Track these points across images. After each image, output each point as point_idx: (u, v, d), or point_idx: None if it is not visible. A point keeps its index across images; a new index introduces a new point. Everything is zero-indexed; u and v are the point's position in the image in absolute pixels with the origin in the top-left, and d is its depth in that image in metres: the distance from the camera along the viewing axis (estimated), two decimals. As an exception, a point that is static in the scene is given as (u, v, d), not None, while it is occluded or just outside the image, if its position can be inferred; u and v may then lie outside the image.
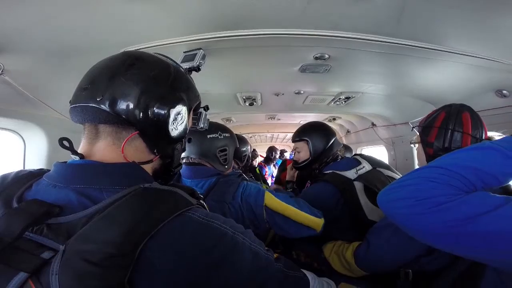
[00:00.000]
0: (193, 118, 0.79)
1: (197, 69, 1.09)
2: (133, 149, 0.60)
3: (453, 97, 1.66)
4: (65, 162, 0.57)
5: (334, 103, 2.20)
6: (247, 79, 1.75)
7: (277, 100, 2.19)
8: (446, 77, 1.44)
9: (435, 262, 0.98)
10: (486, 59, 1.11)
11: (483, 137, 1.01)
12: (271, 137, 6.48)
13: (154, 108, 0.59)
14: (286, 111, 2.69)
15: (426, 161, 1.09)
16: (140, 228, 0.45)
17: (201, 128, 0.79)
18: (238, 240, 0.55)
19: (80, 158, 0.57)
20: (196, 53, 1.10)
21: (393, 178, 1.46)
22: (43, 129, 1.35)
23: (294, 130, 1.75)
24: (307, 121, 1.87)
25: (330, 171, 1.49)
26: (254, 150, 3.88)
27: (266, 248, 0.61)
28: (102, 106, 0.55)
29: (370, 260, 1.10)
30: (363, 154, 1.65)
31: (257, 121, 3.69)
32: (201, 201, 0.62)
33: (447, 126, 1.04)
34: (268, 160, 4.86)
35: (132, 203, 0.49)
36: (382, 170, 1.49)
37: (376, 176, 1.42)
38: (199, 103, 0.76)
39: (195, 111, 0.77)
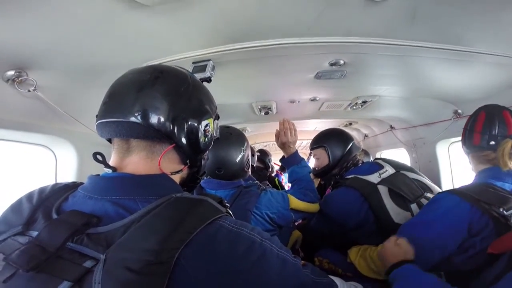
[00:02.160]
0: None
1: (209, 80, 1.13)
2: (167, 161, 0.64)
3: (474, 96, 1.61)
4: (98, 175, 0.61)
5: (350, 108, 2.18)
6: (262, 89, 1.78)
7: (292, 107, 2.20)
8: (465, 76, 1.40)
9: (471, 262, 0.96)
10: (505, 56, 1.08)
11: (501, 133, 1.01)
12: (287, 144, 6.42)
13: (189, 121, 0.63)
14: (302, 118, 2.69)
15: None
16: (176, 236, 0.46)
17: (215, 137, 0.82)
18: (266, 247, 0.55)
19: (113, 171, 0.60)
20: (207, 64, 1.14)
21: (419, 181, 1.44)
22: (72, 144, 1.43)
23: (310, 137, 1.77)
24: (323, 128, 1.88)
25: (352, 176, 1.48)
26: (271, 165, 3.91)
27: (293, 255, 0.61)
28: (136, 120, 0.58)
29: None
30: (385, 158, 1.63)
31: (272, 129, 3.69)
32: (228, 209, 0.64)
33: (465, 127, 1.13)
34: (283, 168, 4.84)
35: (166, 212, 0.51)
36: (406, 173, 1.47)
37: (400, 179, 1.40)
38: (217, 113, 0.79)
39: (215, 121, 0.81)
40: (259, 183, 1.35)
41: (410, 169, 1.52)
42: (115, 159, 0.62)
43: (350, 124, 3.32)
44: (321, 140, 1.71)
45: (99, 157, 0.62)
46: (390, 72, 1.44)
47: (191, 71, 1.11)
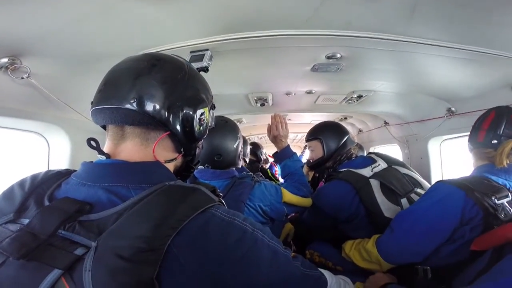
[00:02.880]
0: None
1: (206, 69, 1.12)
2: (161, 149, 0.64)
3: (467, 94, 1.63)
4: (92, 162, 0.60)
5: (346, 102, 2.19)
6: (259, 80, 1.77)
7: (288, 100, 2.20)
8: (459, 73, 1.42)
9: (457, 254, 1.00)
10: (499, 55, 1.09)
11: (505, 133, 1.04)
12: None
13: (184, 109, 0.63)
14: (297, 111, 2.69)
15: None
16: (168, 224, 0.46)
17: (210, 126, 0.82)
18: (258, 237, 0.56)
19: (107, 158, 0.60)
20: (204, 54, 1.12)
21: (410, 176, 1.47)
22: (66, 131, 1.41)
23: (305, 130, 1.77)
24: (318, 121, 1.89)
25: (345, 169, 1.50)
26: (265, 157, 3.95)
27: (284, 247, 0.63)
28: (131, 107, 0.57)
29: (393, 248, 1.12)
30: (378, 153, 1.65)
31: (268, 121, 3.69)
32: (221, 199, 0.64)
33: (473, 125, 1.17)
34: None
35: (159, 199, 0.51)
36: (398, 168, 1.49)
37: (392, 174, 1.43)
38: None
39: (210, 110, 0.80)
40: (253, 174, 1.36)
41: (402, 164, 1.55)
42: (109, 145, 0.62)
43: (345, 118, 3.34)
44: (317, 132, 1.72)
45: (93, 143, 0.62)
46: (386, 67, 1.44)
47: (188, 60, 1.09)
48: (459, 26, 0.95)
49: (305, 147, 2.95)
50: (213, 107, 0.77)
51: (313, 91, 1.96)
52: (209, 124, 0.74)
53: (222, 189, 1.22)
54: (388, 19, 0.96)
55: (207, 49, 1.13)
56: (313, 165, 1.76)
